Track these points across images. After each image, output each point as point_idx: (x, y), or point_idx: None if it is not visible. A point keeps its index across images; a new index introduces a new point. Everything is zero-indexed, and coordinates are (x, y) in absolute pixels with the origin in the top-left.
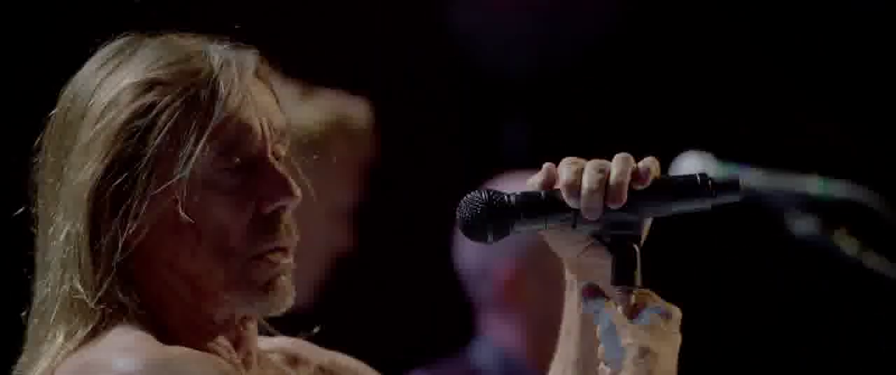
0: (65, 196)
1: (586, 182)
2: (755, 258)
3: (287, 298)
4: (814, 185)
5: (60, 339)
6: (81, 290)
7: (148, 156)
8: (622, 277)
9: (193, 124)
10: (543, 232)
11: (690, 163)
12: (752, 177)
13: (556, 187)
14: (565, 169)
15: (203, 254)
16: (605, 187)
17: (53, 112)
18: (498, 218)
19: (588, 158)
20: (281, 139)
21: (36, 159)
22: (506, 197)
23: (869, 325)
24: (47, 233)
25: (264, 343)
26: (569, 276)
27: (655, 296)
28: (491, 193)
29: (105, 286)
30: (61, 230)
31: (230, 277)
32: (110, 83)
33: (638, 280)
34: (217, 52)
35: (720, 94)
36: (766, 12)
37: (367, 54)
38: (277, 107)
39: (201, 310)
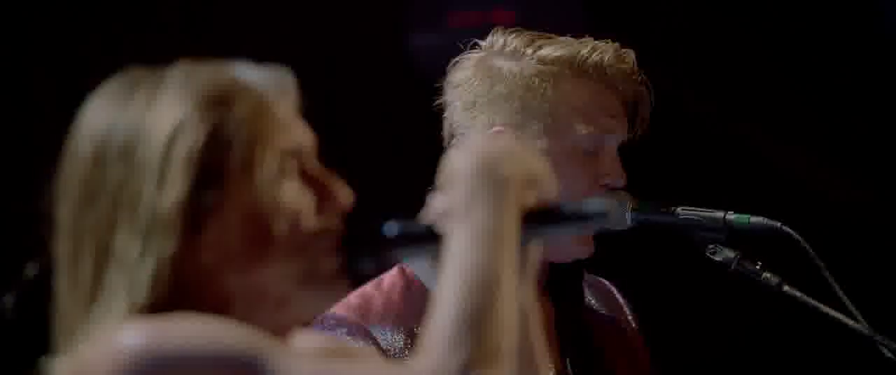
0: (138, 222)
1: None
2: (680, 288)
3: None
4: (733, 218)
5: None
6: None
7: (228, 171)
8: None
9: (263, 137)
10: None
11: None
12: (671, 211)
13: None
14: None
15: (278, 261)
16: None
17: (74, 154)
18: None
19: None
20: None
21: (54, 198)
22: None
23: (788, 355)
24: (100, 263)
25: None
26: None
27: None
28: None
29: (171, 302)
30: (132, 249)
31: (302, 276)
32: (158, 111)
33: None
34: (249, 70)
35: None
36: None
37: None
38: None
39: (255, 319)
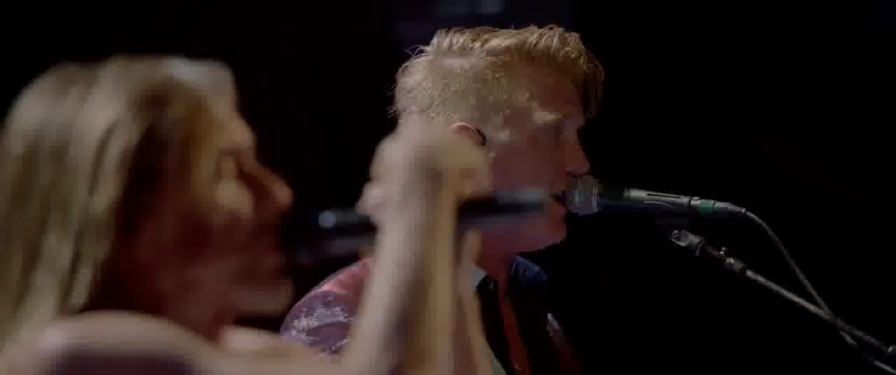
0: (70, 224)
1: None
2: (645, 272)
3: (283, 295)
4: (698, 203)
5: None
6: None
7: (163, 171)
8: None
9: (199, 137)
10: None
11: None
12: (637, 196)
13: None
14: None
15: (214, 261)
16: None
17: (5, 152)
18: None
19: None
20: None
21: None
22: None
23: (749, 339)
24: (28, 264)
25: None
26: None
27: None
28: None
29: (103, 301)
30: (64, 252)
31: (241, 277)
32: (91, 111)
33: None
34: (185, 68)
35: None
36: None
37: None
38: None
39: (189, 314)
